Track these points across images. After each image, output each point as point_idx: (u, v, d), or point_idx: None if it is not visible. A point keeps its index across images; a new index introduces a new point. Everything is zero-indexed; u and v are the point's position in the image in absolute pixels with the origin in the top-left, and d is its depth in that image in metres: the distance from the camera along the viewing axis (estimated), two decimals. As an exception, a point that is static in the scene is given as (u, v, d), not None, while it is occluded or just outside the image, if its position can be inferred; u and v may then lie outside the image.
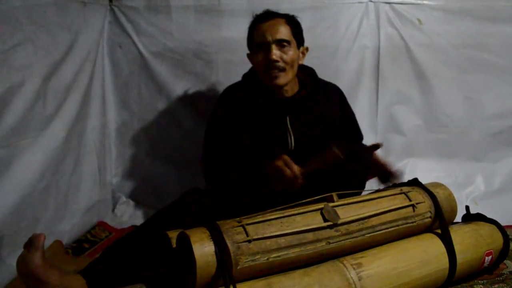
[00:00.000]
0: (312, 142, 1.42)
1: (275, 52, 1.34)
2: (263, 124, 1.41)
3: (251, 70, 1.50)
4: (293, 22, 1.41)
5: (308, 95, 1.44)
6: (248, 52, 1.48)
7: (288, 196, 1.17)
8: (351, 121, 1.58)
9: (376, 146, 1.34)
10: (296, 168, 1.21)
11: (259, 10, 1.45)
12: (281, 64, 1.35)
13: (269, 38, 1.35)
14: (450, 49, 1.92)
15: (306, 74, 1.49)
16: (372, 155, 1.46)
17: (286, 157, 1.23)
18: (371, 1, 1.87)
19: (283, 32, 1.36)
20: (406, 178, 1.37)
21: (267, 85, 1.40)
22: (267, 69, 1.36)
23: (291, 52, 1.37)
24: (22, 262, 0.98)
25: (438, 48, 1.92)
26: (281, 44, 1.36)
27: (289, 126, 1.41)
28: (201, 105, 1.86)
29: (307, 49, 1.47)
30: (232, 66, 1.82)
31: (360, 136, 1.63)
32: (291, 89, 1.44)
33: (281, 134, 1.41)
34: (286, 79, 1.38)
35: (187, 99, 1.86)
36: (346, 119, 1.55)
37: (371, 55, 1.91)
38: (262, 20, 1.39)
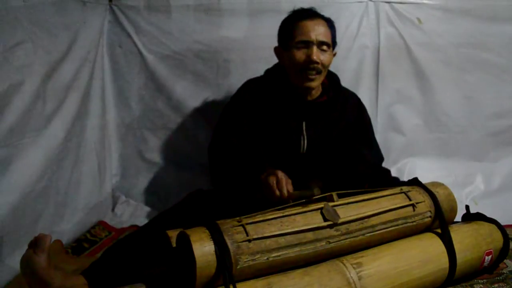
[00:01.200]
0: (325, 147, 1.41)
1: (317, 53, 1.32)
2: (278, 124, 1.38)
3: (275, 66, 1.47)
4: (332, 27, 1.40)
5: (329, 101, 1.43)
6: (276, 45, 1.44)
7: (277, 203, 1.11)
8: (365, 131, 1.53)
9: None
10: (285, 191, 1.13)
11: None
12: (319, 66, 1.33)
13: (313, 38, 1.32)
14: (450, 49, 1.92)
15: (331, 79, 1.47)
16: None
17: (280, 175, 1.15)
18: (371, 1, 1.87)
19: (326, 34, 1.35)
20: (406, 177, 1.37)
21: (295, 85, 1.38)
22: (305, 68, 1.33)
23: (329, 56, 1.36)
24: (27, 263, 0.98)
25: (438, 47, 1.91)
26: (322, 46, 1.34)
27: (304, 130, 1.39)
28: (201, 104, 1.86)
29: (335, 54, 1.45)
30: (232, 65, 1.82)
31: (377, 154, 1.53)
32: (315, 93, 1.43)
33: (295, 137, 1.39)
34: (319, 82, 1.37)
35: (187, 99, 1.86)
36: (360, 128, 1.51)
37: (371, 55, 1.91)
38: (306, 18, 1.36)
